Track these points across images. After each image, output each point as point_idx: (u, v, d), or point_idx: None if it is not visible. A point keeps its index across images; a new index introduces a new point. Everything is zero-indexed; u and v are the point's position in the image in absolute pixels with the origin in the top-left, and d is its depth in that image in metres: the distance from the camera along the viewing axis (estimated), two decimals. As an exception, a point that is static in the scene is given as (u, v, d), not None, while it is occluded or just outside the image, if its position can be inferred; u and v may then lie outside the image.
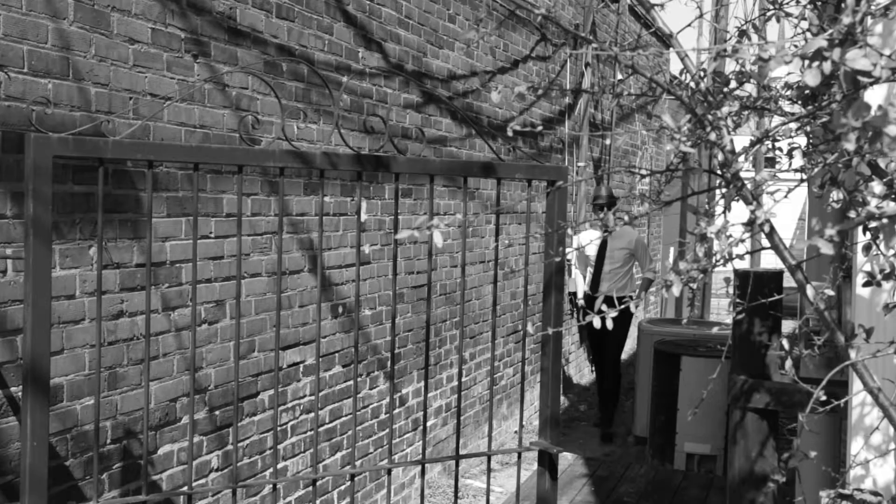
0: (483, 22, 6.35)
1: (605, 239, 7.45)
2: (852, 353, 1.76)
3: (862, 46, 1.36)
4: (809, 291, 1.73)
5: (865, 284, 1.73)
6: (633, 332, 8.46)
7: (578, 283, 7.95)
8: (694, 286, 1.84)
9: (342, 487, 4.83)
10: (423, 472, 3.10)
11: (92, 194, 3.13)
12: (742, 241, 1.78)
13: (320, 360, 4.00)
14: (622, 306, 2.06)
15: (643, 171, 9.41)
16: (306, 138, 4.37)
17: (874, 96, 2.43)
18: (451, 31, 5.91)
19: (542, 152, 7.72)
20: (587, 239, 7.72)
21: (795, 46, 1.46)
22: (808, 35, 1.88)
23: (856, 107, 1.29)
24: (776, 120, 1.99)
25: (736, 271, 2.89)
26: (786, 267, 1.82)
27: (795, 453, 1.87)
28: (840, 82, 1.50)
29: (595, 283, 7.67)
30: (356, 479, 4.32)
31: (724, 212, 1.83)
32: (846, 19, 1.34)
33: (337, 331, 4.74)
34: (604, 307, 2.05)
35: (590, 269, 7.72)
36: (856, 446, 2.69)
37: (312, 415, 4.47)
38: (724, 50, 1.81)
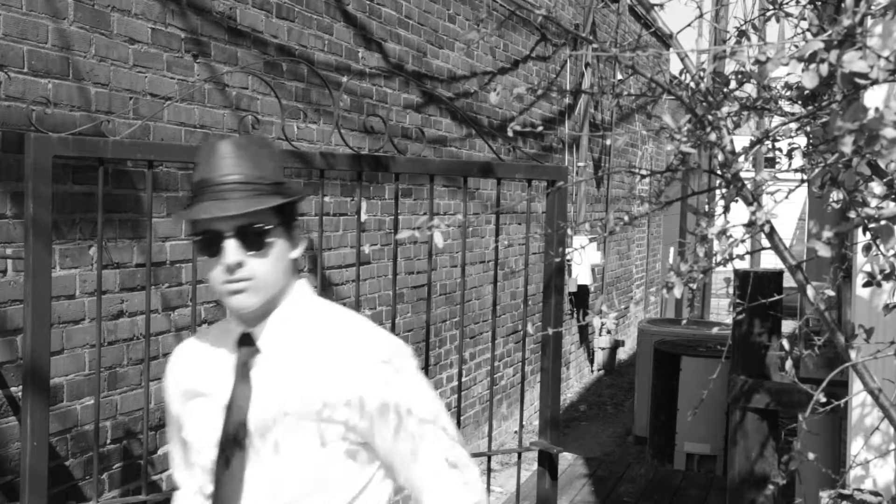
0: (483, 22, 6.35)
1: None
2: (852, 354, 1.76)
3: (860, 48, 1.36)
4: (810, 292, 1.73)
5: (865, 285, 1.73)
6: (633, 333, 8.33)
7: None
8: (694, 286, 1.83)
9: (342, 487, 4.82)
10: (422, 473, 3.10)
11: (92, 194, 3.13)
12: (742, 241, 1.77)
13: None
14: None
15: (643, 172, 9.40)
16: (306, 138, 4.37)
17: (874, 97, 2.43)
18: (451, 31, 5.91)
19: (543, 152, 7.72)
20: None
21: (795, 47, 1.46)
22: (808, 35, 1.88)
23: (852, 109, 1.28)
24: (776, 120, 1.98)
25: (736, 272, 2.89)
26: (786, 267, 1.82)
27: (795, 454, 1.86)
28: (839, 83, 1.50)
29: None
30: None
31: (724, 212, 1.83)
32: (846, 21, 1.34)
33: (337, 331, 4.73)
34: None
35: None
36: (856, 447, 2.69)
37: (312, 415, 4.46)
38: (724, 51, 1.81)
